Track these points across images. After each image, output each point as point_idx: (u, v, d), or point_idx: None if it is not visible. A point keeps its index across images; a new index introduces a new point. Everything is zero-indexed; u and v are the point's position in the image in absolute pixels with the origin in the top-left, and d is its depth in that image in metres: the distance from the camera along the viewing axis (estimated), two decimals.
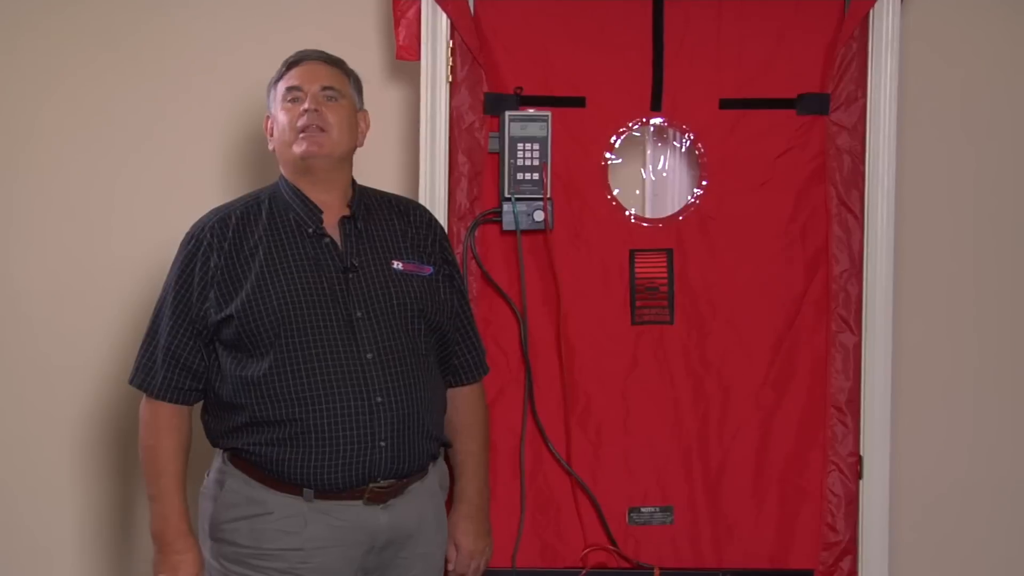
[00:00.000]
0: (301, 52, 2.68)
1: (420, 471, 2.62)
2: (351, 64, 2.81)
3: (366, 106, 2.75)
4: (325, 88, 2.62)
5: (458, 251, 3.01)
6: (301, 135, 2.59)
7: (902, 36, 3.07)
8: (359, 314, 2.56)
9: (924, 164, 3.34)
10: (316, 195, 2.62)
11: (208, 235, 2.58)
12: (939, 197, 3.37)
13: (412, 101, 3.17)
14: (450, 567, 2.80)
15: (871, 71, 3.06)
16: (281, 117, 2.63)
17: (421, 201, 3.00)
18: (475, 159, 3.03)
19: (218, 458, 2.61)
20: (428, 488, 2.65)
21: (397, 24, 3.04)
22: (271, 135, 2.67)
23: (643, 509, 3.10)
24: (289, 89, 2.62)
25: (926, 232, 3.35)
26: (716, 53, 3.07)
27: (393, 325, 2.58)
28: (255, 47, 3.15)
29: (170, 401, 2.57)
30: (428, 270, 2.68)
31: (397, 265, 2.63)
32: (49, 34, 3.23)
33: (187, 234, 2.62)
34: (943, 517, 3.41)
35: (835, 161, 3.08)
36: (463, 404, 2.80)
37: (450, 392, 2.77)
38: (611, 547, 3.08)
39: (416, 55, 3.02)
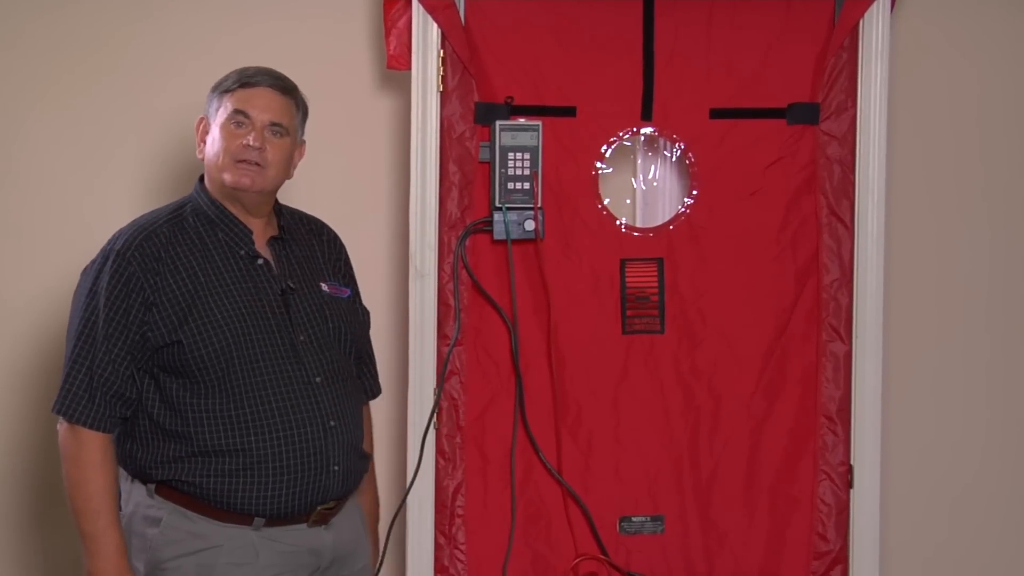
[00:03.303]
0: (259, 72, 2.55)
1: (355, 488, 2.62)
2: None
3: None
4: (274, 124, 2.52)
5: (448, 260, 3.01)
6: (237, 164, 2.49)
7: (892, 46, 3.08)
8: (302, 338, 2.52)
9: (914, 173, 3.35)
10: (241, 216, 2.55)
11: (136, 254, 2.44)
12: (929, 206, 3.38)
13: (403, 111, 3.18)
14: None
15: (861, 81, 3.07)
16: (219, 137, 2.51)
17: (412, 211, 3.01)
18: (466, 168, 3.03)
19: (139, 492, 2.48)
20: (354, 502, 2.64)
21: (388, 34, 3.04)
22: (202, 143, 2.55)
23: (634, 518, 3.10)
24: (237, 112, 2.50)
25: (916, 241, 3.36)
26: (707, 63, 3.08)
27: (333, 347, 2.57)
28: (245, 57, 3.14)
29: (104, 431, 2.42)
30: (347, 292, 2.66)
31: (324, 287, 2.61)
32: (30, 40, 3.23)
33: (108, 249, 2.47)
34: (934, 526, 3.42)
35: (825, 171, 3.09)
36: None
37: None
38: (602, 557, 3.08)
39: (407, 65, 3.02)
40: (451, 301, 3.01)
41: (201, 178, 2.59)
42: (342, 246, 2.74)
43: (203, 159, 2.56)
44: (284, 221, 2.62)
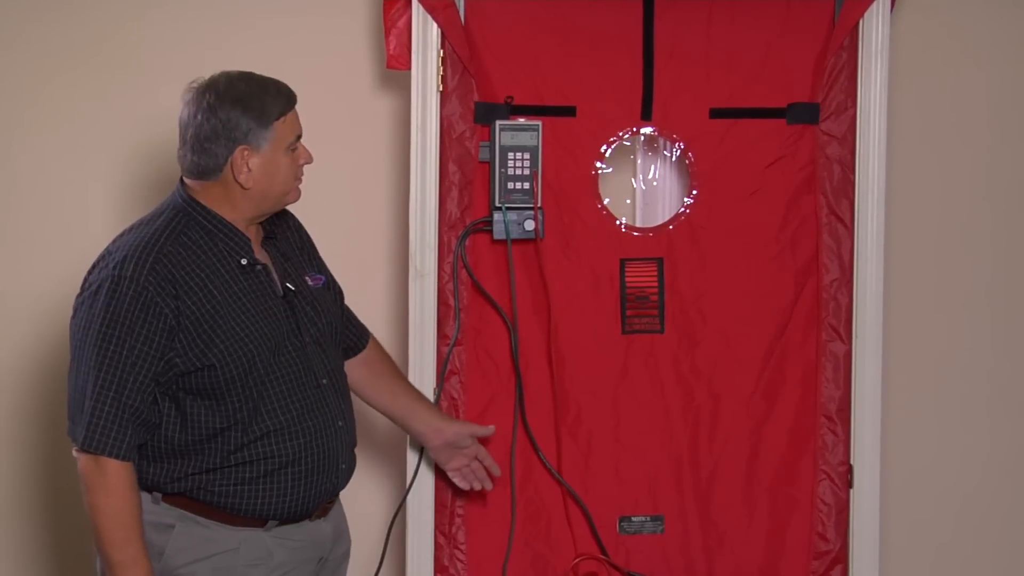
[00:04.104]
0: (288, 90, 2.52)
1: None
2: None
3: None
4: None
5: (448, 260, 3.01)
6: (296, 181, 2.54)
7: (891, 45, 3.08)
8: (308, 339, 2.54)
9: (914, 173, 3.35)
10: (242, 225, 2.52)
11: (152, 278, 2.38)
12: (929, 206, 3.38)
13: (402, 110, 3.18)
14: (460, 464, 2.89)
15: (861, 80, 3.07)
16: (286, 164, 2.50)
17: (411, 211, 3.01)
18: (465, 168, 3.03)
19: (144, 499, 2.45)
20: None
21: (388, 33, 3.04)
22: (247, 170, 2.46)
23: (634, 518, 3.10)
24: (297, 137, 2.52)
25: (916, 241, 3.36)
26: (706, 62, 3.08)
27: (330, 345, 2.60)
28: (245, 57, 3.13)
29: (130, 460, 2.39)
30: (322, 279, 2.67)
31: (308, 281, 2.62)
32: (27, 42, 3.23)
33: (117, 276, 2.38)
34: (934, 526, 3.42)
35: (825, 170, 3.08)
36: (377, 356, 2.87)
37: (359, 359, 2.82)
38: (602, 556, 3.08)
39: (407, 64, 3.02)
40: (451, 301, 3.01)
41: (182, 183, 2.51)
42: (300, 225, 2.72)
43: (250, 188, 2.48)
44: (269, 221, 2.60)
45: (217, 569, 2.45)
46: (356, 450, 2.65)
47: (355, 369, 2.80)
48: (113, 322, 2.37)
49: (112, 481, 2.37)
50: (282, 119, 2.49)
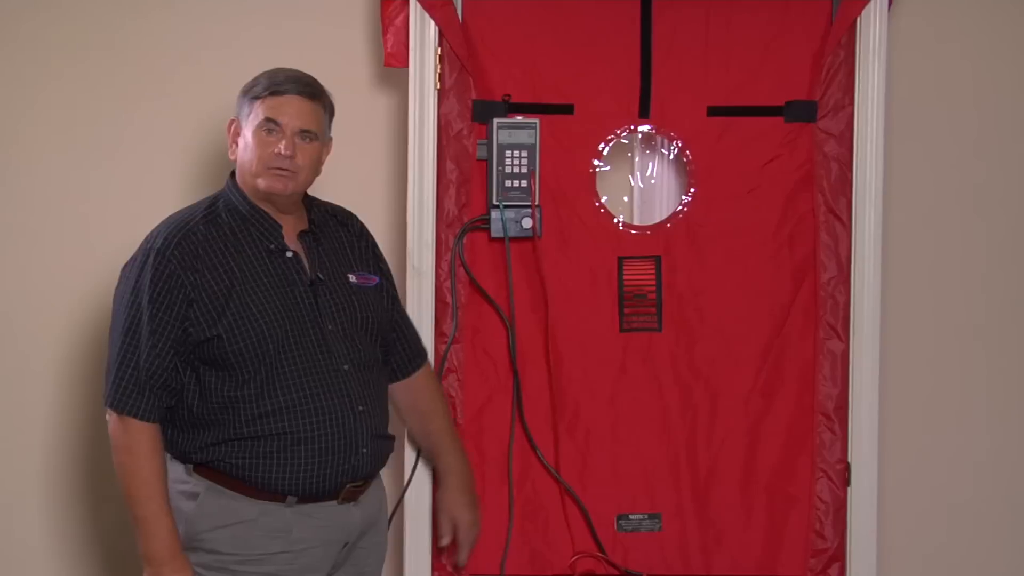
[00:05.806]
0: (288, 80, 2.60)
1: (381, 469, 2.72)
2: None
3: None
4: (303, 131, 2.59)
5: (446, 258, 3.01)
6: (270, 170, 2.58)
7: (889, 43, 3.08)
8: (330, 327, 2.61)
9: (911, 171, 3.34)
10: (273, 212, 2.63)
11: (176, 252, 2.53)
12: (926, 204, 3.38)
13: (400, 108, 3.17)
14: (444, 541, 2.91)
15: (858, 78, 3.07)
16: (252, 144, 2.58)
17: (409, 209, 3.01)
18: (463, 166, 3.03)
19: (177, 469, 2.58)
20: (378, 480, 2.75)
21: (385, 31, 3.04)
22: (234, 144, 2.63)
23: (631, 516, 3.10)
24: (268, 120, 2.57)
25: (914, 239, 3.36)
26: (704, 61, 3.08)
27: (359, 336, 2.66)
28: (243, 55, 3.14)
29: (152, 422, 2.53)
30: (375, 280, 2.74)
31: (352, 278, 2.69)
32: (28, 39, 3.22)
33: (148, 248, 2.56)
34: (931, 523, 3.42)
35: (822, 168, 3.09)
36: (420, 389, 2.87)
37: (401, 385, 2.83)
38: (600, 554, 3.08)
39: (404, 62, 3.02)
40: (448, 299, 3.02)
41: (232, 174, 2.66)
42: (368, 235, 2.81)
43: (235, 160, 2.63)
44: (314, 215, 2.70)
45: (236, 537, 2.54)
46: None
47: (397, 393, 2.84)
48: (139, 292, 2.54)
49: (135, 440, 2.52)
50: (259, 100, 2.58)
